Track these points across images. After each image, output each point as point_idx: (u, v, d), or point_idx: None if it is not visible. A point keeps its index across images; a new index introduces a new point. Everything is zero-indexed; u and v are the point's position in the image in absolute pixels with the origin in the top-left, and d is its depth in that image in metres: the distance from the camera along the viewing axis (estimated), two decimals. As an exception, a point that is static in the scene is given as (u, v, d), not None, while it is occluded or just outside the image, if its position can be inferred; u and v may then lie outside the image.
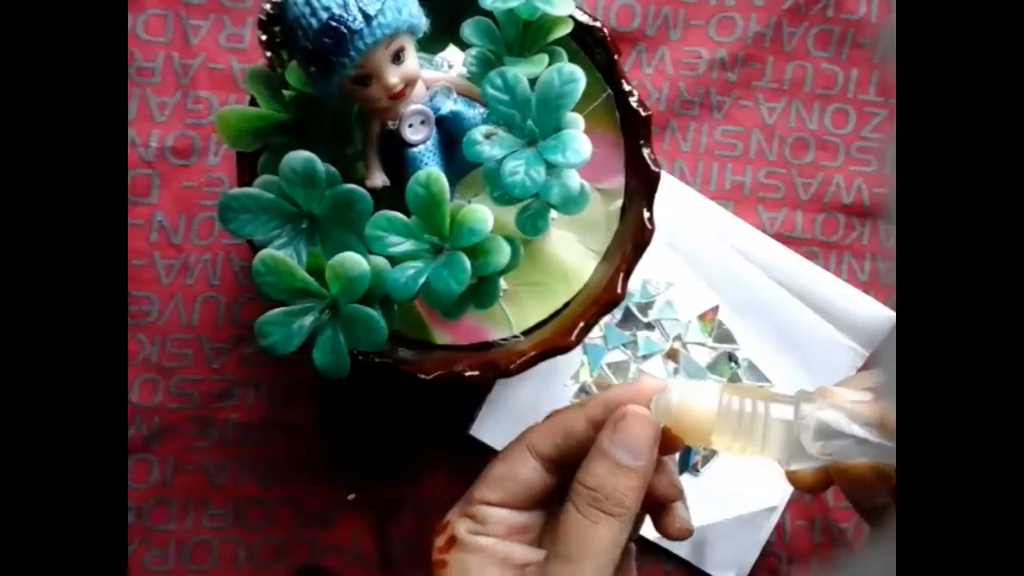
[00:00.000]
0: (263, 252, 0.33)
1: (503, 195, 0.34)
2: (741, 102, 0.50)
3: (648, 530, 0.48)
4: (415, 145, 0.34)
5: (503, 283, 0.38)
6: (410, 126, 0.34)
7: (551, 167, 0.33)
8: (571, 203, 0.35)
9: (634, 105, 0.38)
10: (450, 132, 0.35)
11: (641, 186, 0.38)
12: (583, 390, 0.48)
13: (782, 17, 0.49)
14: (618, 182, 0.39)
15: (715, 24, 0.49)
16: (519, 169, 0.33)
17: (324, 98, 0.34)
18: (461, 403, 0.48)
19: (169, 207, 0.48)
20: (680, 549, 0.48)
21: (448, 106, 0.35)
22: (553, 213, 0.38)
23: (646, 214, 0.37)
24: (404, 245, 0.33)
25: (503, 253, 0.33)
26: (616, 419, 0.32)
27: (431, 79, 0.35)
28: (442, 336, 0.39)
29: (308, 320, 0.33)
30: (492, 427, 0.47)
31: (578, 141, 0.33)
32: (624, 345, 0.48)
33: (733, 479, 0.48)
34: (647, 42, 0.49)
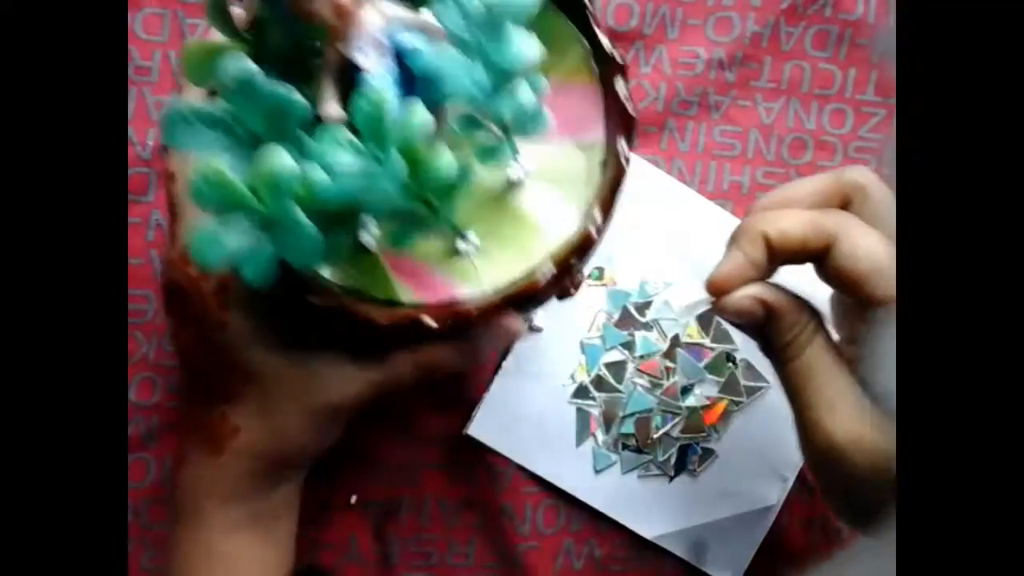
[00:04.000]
0: (200, 162, 0.32)
1: (462, 122, 0.33)
2: (739, 102, 0.50)
3: (646, 530, 0.48)
4: (368, 72, 0.33)
5: (474, 238, 0.37)
6: (361, 50, 0.33)
7: (501, 78, 0.32)
8: (526, 122, 0.33)
9: (608, 50, 0.37)
10: (410, 71, 0.34)
11: (617, 127, 0.37)
12: (582, 390, 0.48)
13: (780, 17, 0.49)
14: (597, 135, 0.37)
15: (713, 24, 0.49)
16: (462, 70, 0.32)
17: (278, 22, 0.33)
18: (459, 403, 0.48)
19: (166, 206, 0.47)
20: (677, 548, 0.48)
21: (406, 39, 0.34)
22: (528, 167, 0.37)
23: (622, 150, 0.36)
24: (346, 158, 0.32)
25: (447, 162, 0.31)
26: None
27: (390, 14, 0.34)
28: (409, 295, 0.37)
29: (240, 232, 0.32)
30: (490, 427, 0.47)
31: (523, 40, 0.32)
32: (622, 345, 0.48)
33: (730, 479, 0.48)
34: (645, 41, 0.49)
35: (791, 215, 0.35)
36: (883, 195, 0.35)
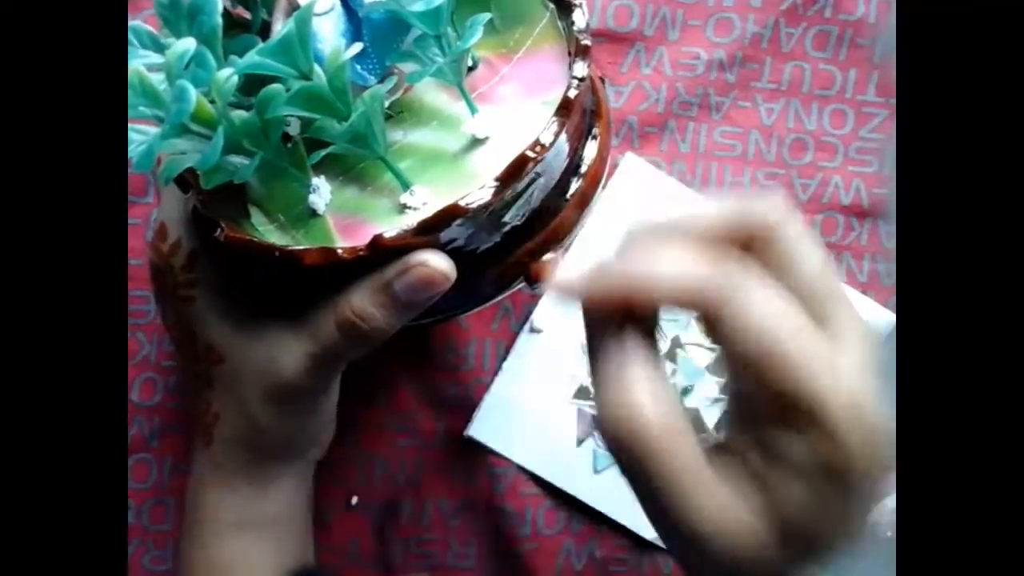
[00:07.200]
0: (134, 66, 0.32)
1: (418, 43, 0.34)
2: (740, 103, 0.50)
3: (648, 530, 0.48)
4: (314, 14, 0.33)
5: (422, 192, 0.34)
6: None
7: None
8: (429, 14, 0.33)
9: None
10: (356, 15, 0.34)
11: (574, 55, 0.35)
12: (582, 390, 0.48)
13: (780, 18, 0.49)
14: (562, 88, 0.35)
15: (713, 25, 0.49)
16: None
17: None
18: (459, 404, 0.48)
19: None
20: (678, 549, 0.48)
21: None
22: (488, 128, 0.36)
23: (573, 72, 0.34)
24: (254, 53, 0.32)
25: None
26: None
27: None
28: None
29: (155, 136, 0.32)
30: (490, 428, 0.47)
31: None
32: (623, 346, 0.48)
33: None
34: (645, 42, 0.49)
35: (666, 271, 0.27)
36: (796, 237, 0.27)
